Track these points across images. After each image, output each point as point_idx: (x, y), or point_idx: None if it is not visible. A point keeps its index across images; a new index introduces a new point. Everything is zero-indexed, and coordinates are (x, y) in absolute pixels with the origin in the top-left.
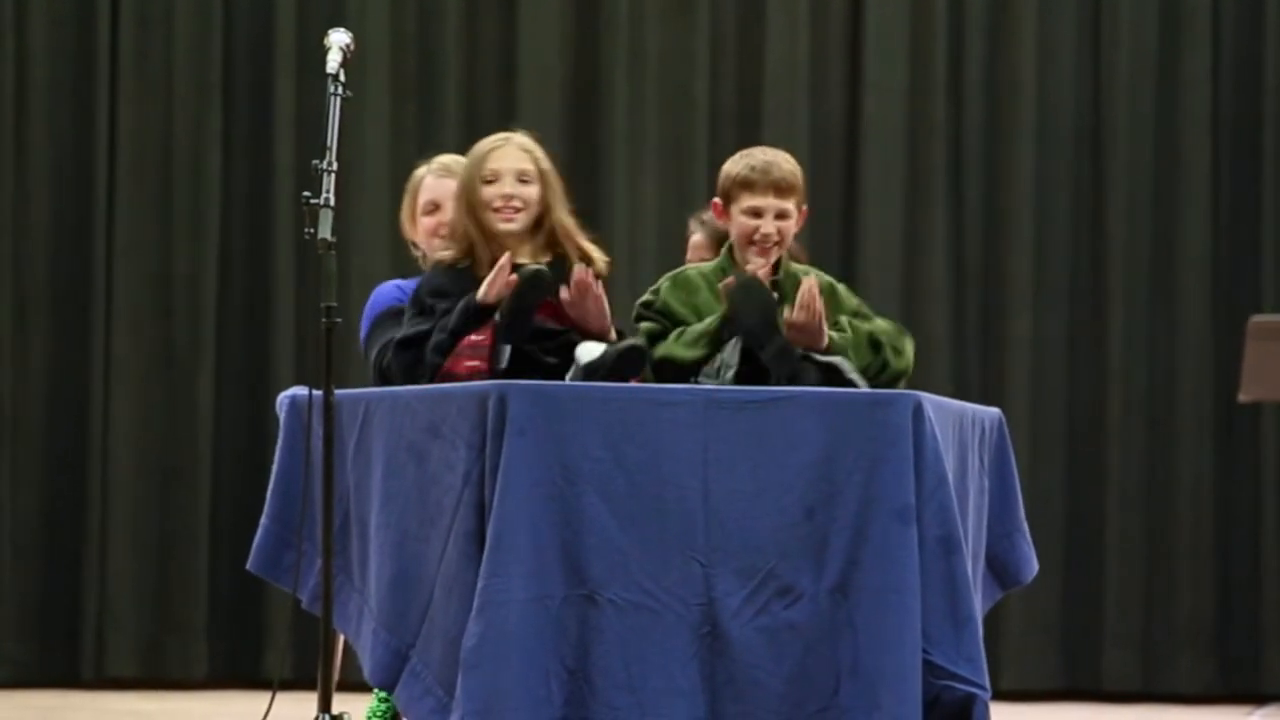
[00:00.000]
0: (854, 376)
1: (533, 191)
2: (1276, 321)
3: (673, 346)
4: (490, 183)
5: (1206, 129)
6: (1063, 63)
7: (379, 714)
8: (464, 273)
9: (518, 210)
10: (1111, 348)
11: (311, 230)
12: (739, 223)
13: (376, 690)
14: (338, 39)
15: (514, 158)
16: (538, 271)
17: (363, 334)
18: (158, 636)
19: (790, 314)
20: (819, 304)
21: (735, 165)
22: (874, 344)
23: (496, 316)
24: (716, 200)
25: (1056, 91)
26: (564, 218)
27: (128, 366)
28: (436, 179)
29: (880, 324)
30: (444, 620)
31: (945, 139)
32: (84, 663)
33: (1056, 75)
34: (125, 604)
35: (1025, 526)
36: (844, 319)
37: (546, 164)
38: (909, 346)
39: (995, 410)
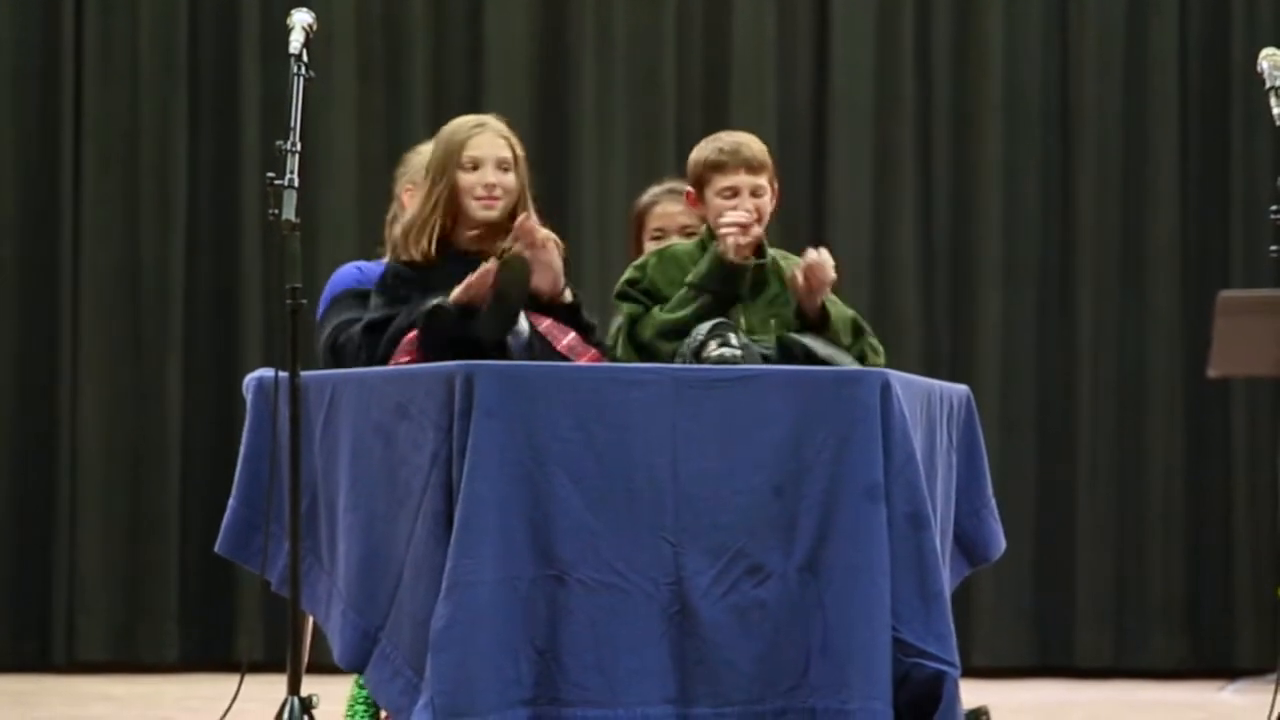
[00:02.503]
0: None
1: (512, 179)
2: (1245, 296)
3: (658, 315)
4: (470, 169)
5: (1174, 108)
6: (1030, 42)
7: (360, 700)
8: (431, 267)
9: (497, 199)
10: (1081, 326)
11: (276, 211)
12: (715, 205)
13: (356, 687)
14: (300, 19)
15: (494, 145)
16: (516, 259)
17: (319, 313)
18: (129, 620)
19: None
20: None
21: (703, 150)
22: (857, 328)
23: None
24: (689, 190)
25: (1024, 71)
26: (531, 209)
27: (95, 351)
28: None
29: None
30: (413, 602)
31: (913, 118)
32: (55, 647)
33: (1024, 54)
34: (96, 588)
35: (993, 503)
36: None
37: (520, 150)
38: (883, 352)
39: (963, 387)
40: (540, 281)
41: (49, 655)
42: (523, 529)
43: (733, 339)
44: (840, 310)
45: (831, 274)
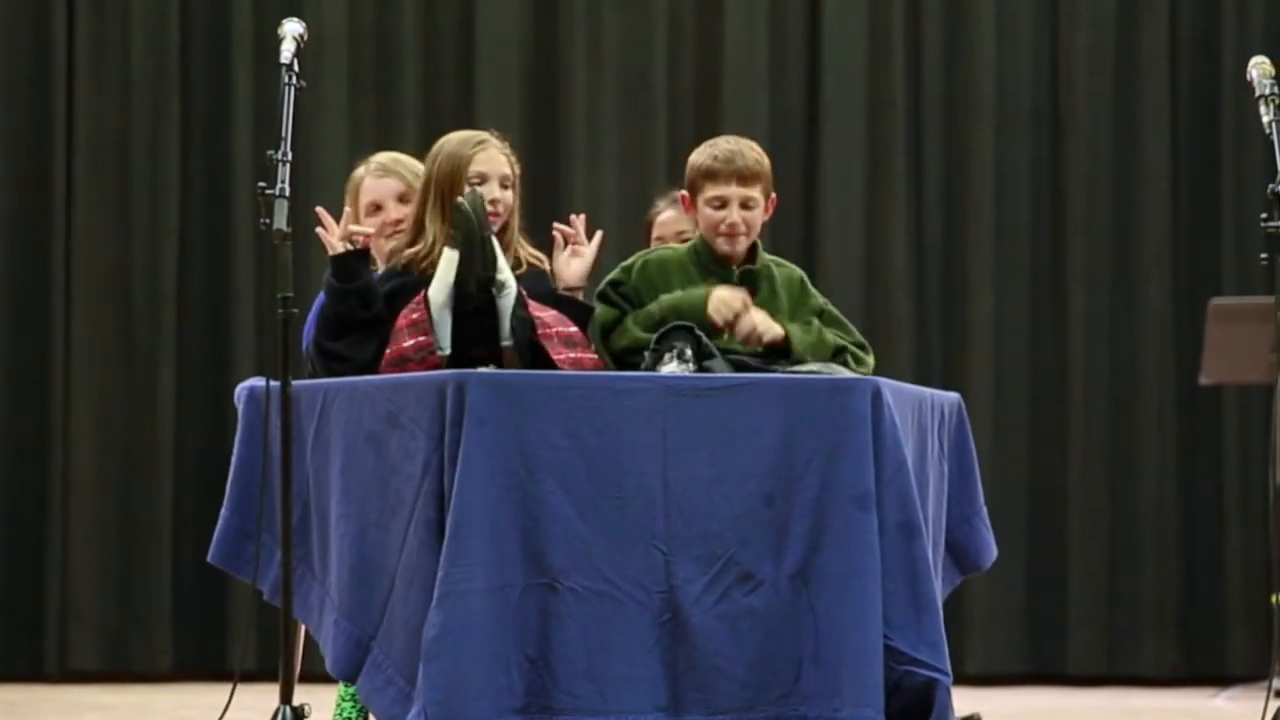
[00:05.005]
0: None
1: (510, 196)
2: (1236, 303)
3: (631, 330)
4: (477, 184)
5: (1165, 109)
6: (1021, 44)
7: (347, 698)
8: (415, 280)
9: (498, 215)
10: (1073, 330)
11: (267, 221)
12: (705, 214)
13: (342, 686)
14: (291, 29)
15: (499, 162)
16: (468, 203)
17: (305, 338)
18: (121, 629)
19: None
20: (756, 327)
21: (699, 156)
22: (837, 349)
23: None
24: (684, 193)
25: (1015, 72)
26: (516, 227)
27: (88, 357)
28: (376, 179)
29: (847, 337)
30: (405, 610)
31: (904, 120)
32: (48, 657)
33: (1015, 56)
34: (88, 597)
35: (984, 511)
36: (815, 321)
37: (517, 168)
38: (870, 360)
39: (954, 395)
40: (566, 271)
41: (41, 665)
42: (514, 537)
43: (687, 352)
44: (813, 338)
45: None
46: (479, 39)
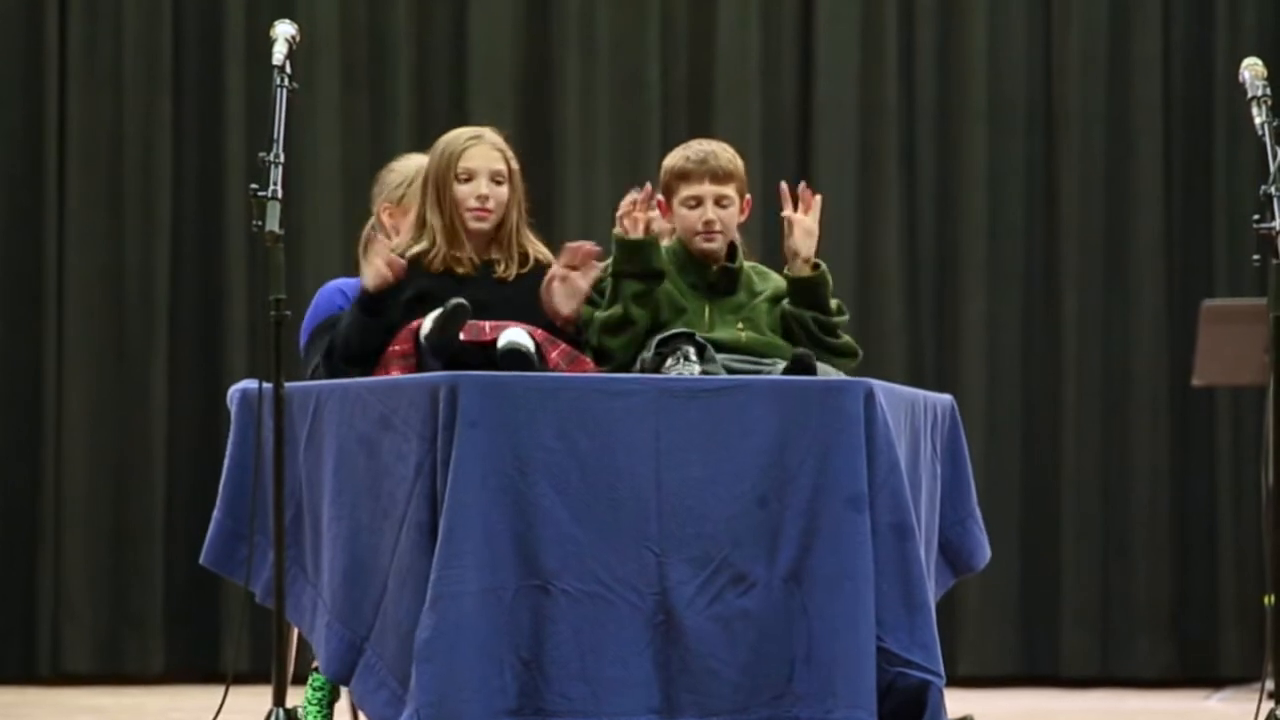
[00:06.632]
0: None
1: (504, 192)
2: (1229, 305)
3: (596, 316)
4: (464, 180)
5: (1158, 111)
6: (1014, 46)
7: (314, 702)
8: (410, 273)
9: (490, 211)
10: (1066, 331)
11: (259, 223)
12: (681, 215)
13: (311, 680)
14: (283, 30)
15: (488, 157)
16: (459, 306)
17: (302, 339)
18: (114, 631)
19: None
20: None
21: (673, 158)
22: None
23: (422, 338)
24: (659, 198)
25: (1008, 74)
26: (522, 224)
27: (80, 359)
28: None
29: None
30: (397, 612)
31: (897, 122)
32: (40, 659)
33: (1008, 58)
34: (81, 599)
35: (978, 512)
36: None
37: (515, 164)
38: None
39: (947, 397)
40: (566, 306)
41: (34, 667)
42: (507, 539)
43: (691, 353)
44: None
45: (812, 226)
46: (472, 38)
